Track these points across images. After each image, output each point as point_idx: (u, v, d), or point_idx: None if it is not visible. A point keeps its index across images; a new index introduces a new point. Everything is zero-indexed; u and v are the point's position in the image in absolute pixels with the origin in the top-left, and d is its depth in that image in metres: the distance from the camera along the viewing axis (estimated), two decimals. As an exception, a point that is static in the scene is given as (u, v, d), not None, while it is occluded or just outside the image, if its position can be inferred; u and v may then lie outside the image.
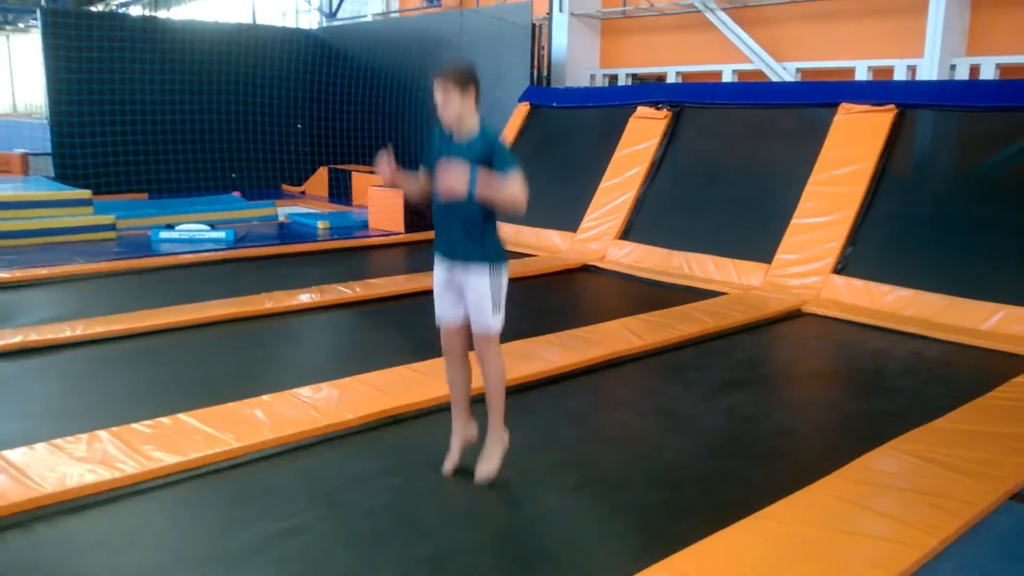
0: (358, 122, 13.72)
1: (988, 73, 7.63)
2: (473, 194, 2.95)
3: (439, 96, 3.07)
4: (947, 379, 4.84)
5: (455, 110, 3.07)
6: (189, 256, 8.06)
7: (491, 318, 3.15)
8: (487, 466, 3.28)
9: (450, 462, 3.37)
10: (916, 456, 3.52)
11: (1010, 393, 4.38)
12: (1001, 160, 6.47)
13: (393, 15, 16.12)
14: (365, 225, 10.14)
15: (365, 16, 16.09)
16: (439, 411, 4.10)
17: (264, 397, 4.08)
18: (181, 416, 3.80)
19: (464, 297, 3.19)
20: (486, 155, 3.05)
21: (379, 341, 5.52)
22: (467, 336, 3.31)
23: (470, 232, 3.11)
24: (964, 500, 3.11)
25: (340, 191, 12.92)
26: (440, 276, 3.26)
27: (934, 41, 7.77)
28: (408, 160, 14.30)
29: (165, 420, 3.76)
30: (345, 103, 13.67)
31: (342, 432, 3.83)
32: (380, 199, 10.05)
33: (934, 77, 7.76)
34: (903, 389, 4.68)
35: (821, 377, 5.18)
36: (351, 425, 3.87)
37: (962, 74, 7.82)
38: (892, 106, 7.09)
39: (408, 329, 5.80)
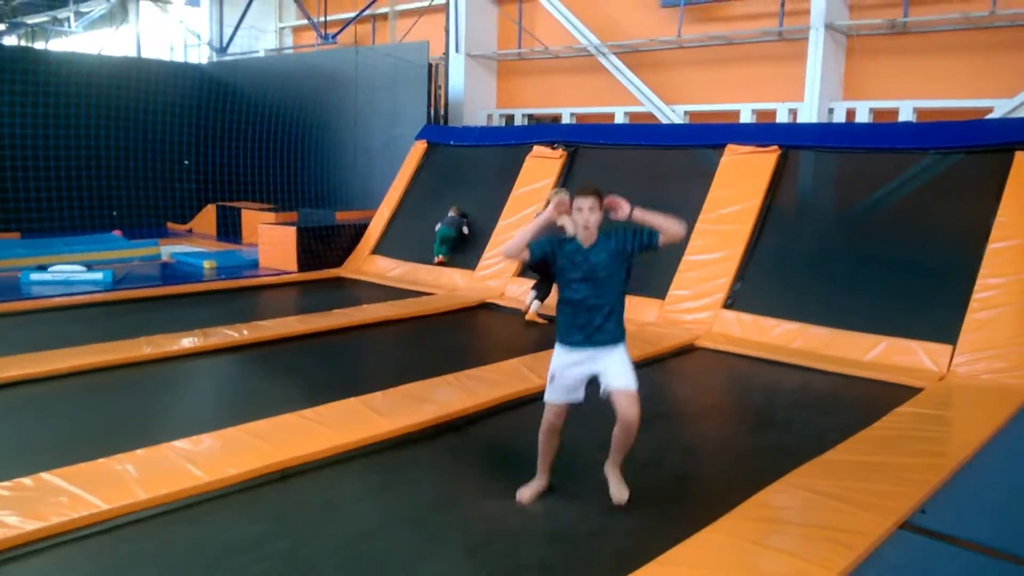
0: (249, 159, 13.35)
1: (863, 116, 8.06)
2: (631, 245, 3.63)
3: (585, 212, 3.44)
4: (835, 411, 4.97)
5: (597, 224, 3.50)
6: (62, 299, 7.55)
7: (634, 379, 3.55)
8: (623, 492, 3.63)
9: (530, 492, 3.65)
10: (809, 490, 3.56)
11: (894, 423, 4.53)
12: (877, 198, 6.81)
13: (287, 51, 15.86)
14: (255, 264, 9.78)
15: (257, 52, 15.76)
16: (331, 465, 3.90)
17: (138, 452, 3.78)
18: (44, 475, 3.48)
19: (603, 372, 3.54)
20: (622, 244, 3.60)
21: (267, 387, 5.25)
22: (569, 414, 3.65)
23: (614, 318, 3.58)
24: (857, 532, 3.14)
25: (229, 229, 12.49)
26: (568, 361, 3.56)
27: (813, 86, 8.17)
28: (302, 197, 13.87)
29: (26, 481, 3.43)
30: (236, 140, 13.29)
31: (223, 491, 3.57)
32: (271, 236, 9.73)
33: (814, 120, 8.13)
34: (794, 422, 4.77)
35: (716, 413, 5.22)
36: (233, 482, 3.62)
37: (839, 117, 8.23)
38: (776, 147, 7.38)
39: (300, 374, 5.55)
